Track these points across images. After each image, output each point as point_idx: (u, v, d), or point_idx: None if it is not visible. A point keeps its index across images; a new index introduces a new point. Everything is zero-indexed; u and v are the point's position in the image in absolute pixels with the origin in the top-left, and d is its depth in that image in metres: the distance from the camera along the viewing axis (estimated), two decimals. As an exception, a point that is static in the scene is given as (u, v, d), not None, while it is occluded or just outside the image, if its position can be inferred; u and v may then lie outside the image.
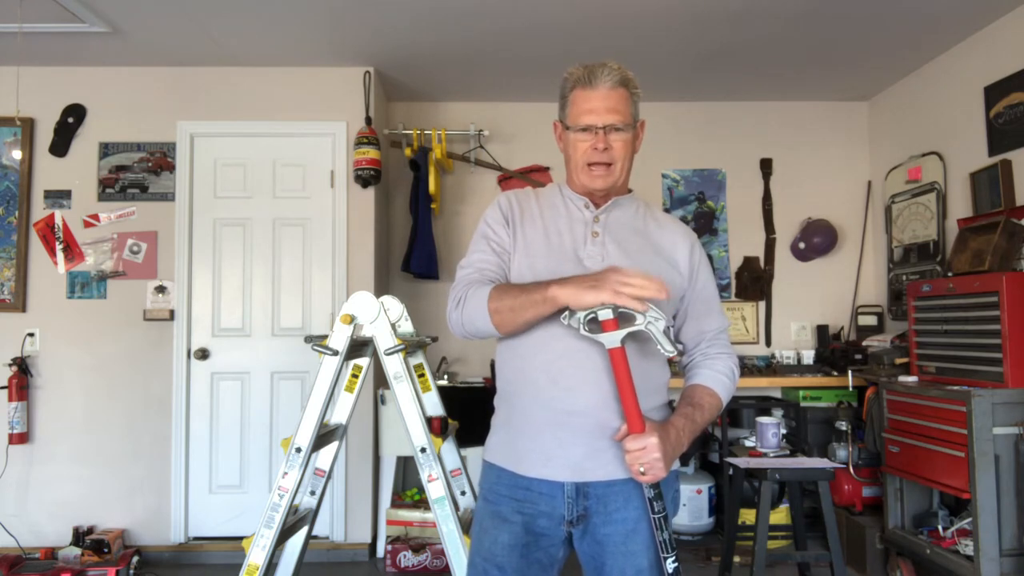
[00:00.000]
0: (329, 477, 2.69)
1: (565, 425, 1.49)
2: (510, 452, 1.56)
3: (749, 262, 4.72)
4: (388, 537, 3.80)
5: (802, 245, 4.62)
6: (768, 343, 4.69)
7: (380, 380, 3.95)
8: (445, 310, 1.60)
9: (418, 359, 2.84)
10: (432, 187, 4.30)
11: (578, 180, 1.59)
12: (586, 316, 1.41)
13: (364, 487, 3.99)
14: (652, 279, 1.36)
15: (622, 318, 1.41)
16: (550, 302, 1.41)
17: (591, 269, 1.52)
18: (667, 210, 4.65)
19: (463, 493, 2.81)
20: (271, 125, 4.08)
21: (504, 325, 1.48)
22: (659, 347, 1.41)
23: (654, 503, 1.44)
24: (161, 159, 4.05)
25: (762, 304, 4.72)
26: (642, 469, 1.40)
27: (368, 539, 3.97)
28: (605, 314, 1.40)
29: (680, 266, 1.61)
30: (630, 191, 1.67)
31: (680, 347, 1.63)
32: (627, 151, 1.56)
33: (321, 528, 3.91)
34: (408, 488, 4.24)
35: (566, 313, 1.42)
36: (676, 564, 1.45)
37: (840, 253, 4.71)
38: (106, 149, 4.04)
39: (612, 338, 1.41)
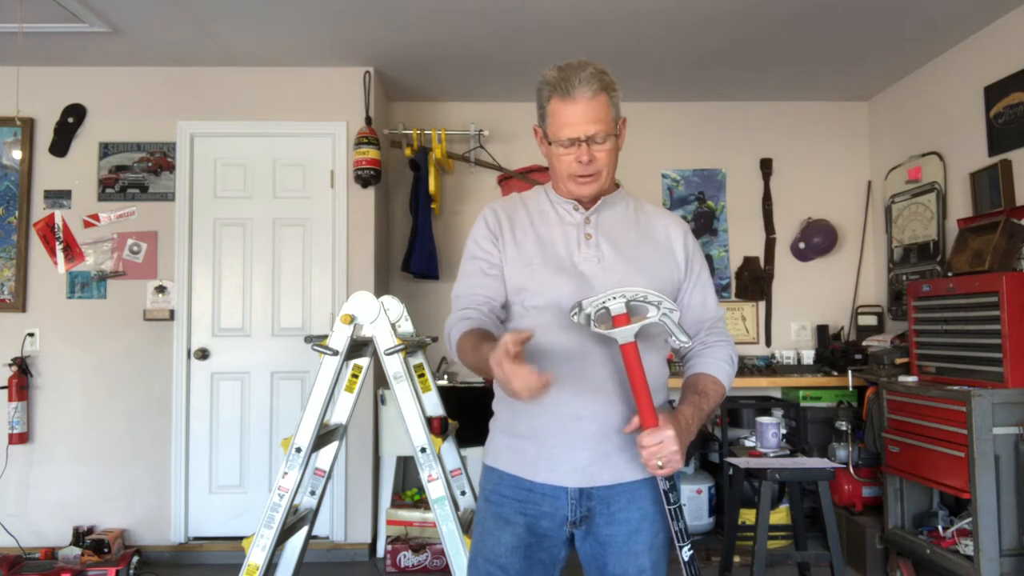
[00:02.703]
0: (329, 477, 2.69)
1: (571, 431, 1.49)
2: (515, 458, 1.55)
3: (749, 262, 4.72)
4: (388, 537, 3.80)
5: (802, 245, 4.62)
6: (768, 343, 4.69)
7: (380, 380, 3.95)
8: (445, 310, 1.60)
9: (418, 359, 2.84)
10: (432, 187, 4.30)
11: (564, 189, 1.57)
12: (596, 311, 1.39)
13: (364, 487, 3.98)
14: (528, 381, 1.25)
15: (633, 311, 1.39)
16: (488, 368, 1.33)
17: (587, 273, 1.52)
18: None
19: (463, 493, 2.82)
20: (271, 125, 4.08)
21: (484, 372, 1.45)
22: (674, 338, 1.41)
23: (670, 495, 1.45)
24: (161, 159, 4.05)
25: (762, 304, 4.72)
26: (660, 463, 1.39)
27: (368, 539, 3.97)
28: (617, 308, 1.38)
29: (677, 256, 1.60)
30: (618, 186, 1.65)
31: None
32: (611, 158, 1.53)
33: (321, 528, 3.90)
34: (408, 488, 4.24)
35: (576, 309, 1.40)
36: (692, 552, 1.47)
37: (840, 253, 4.71)
38: (106, 149, 4.04)
39: (625, 333, 1.39)
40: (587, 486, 1.50)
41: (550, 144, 1.54)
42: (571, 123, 1.48)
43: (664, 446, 1.39)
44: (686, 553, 1.46)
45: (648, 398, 1.41)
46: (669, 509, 1.45)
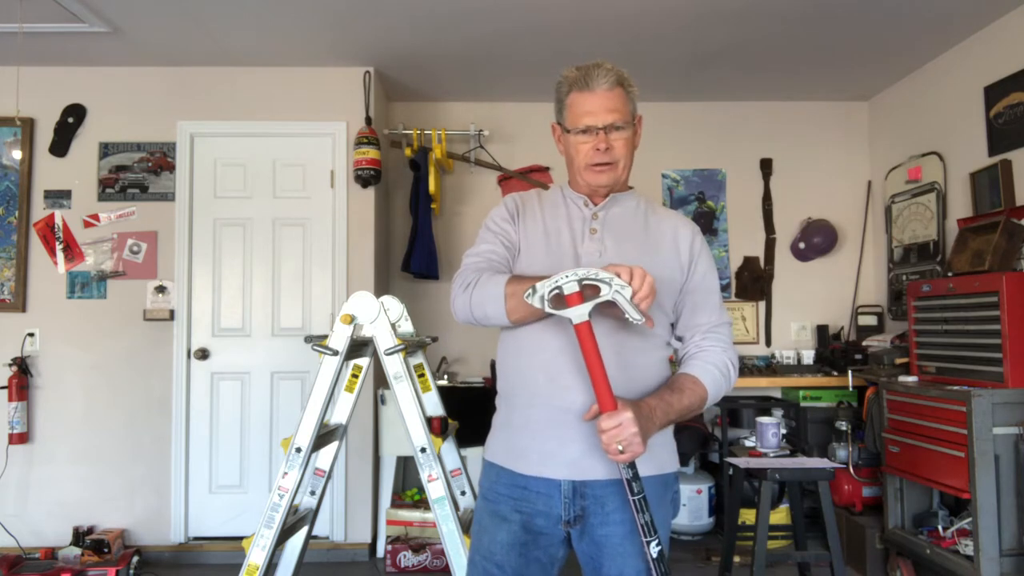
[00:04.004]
0: (329, 477, 2.69)
1: (563, 423, 1.49)
2: (509, 451, 1.57)
3: (749, 262, 4.72)
4: (388, 537, 3.80)
5: (802, 245, 4.62)
6: (768, 343, 4.69)
7: (380, 380, 3.95)
8: (445, 310, 1.61)
9: (418, 359, 2.84)
10: (432, 187, 4.30)
11: (582, 180, 1.60)
12: (550, 291, 1.38)
13: (364, 487, 3.99)
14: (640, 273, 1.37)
15: (587, 290, 1.38)
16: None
17: (588, 265, 1.52)
18: (667, 210, 4.64)
19: (463, 493, 2.81)
20: (271, 125, 4.08)
21: (515, 310, 1.47)
22: (626, 315, 1.37)
23: (633, 484, 1.41)
24: (161, 159, 4.05)
25: (762, 304, 4.72)
26: (620, 447, 1.36)
27: (368, 539, 3.97)
28: (570, 287, 1.37)
29: (681, 257, 1.60)
30: (631, 188, 1.68)
31: (678, 344, 1.63)
32: (628, 148, 1.56)
33: (321, 528, 3.90)
34: (408, 488, 4.24)
35: (529, 291, 1.39)
36: (660, 547, 1.43)
37: (840, 253, 4.71)
38: (106, 149, 4.04)
39: (580, 312, 1.38)
40: (579, 479, 1.50)
41: (567, 132, 1.56)
42: (590, 111, 1.52)
43: (623, 428, 1.36)
44: (654, 549, 1.42)
45: (605, 381, 1.38)
46: (633, 500, 1.41)
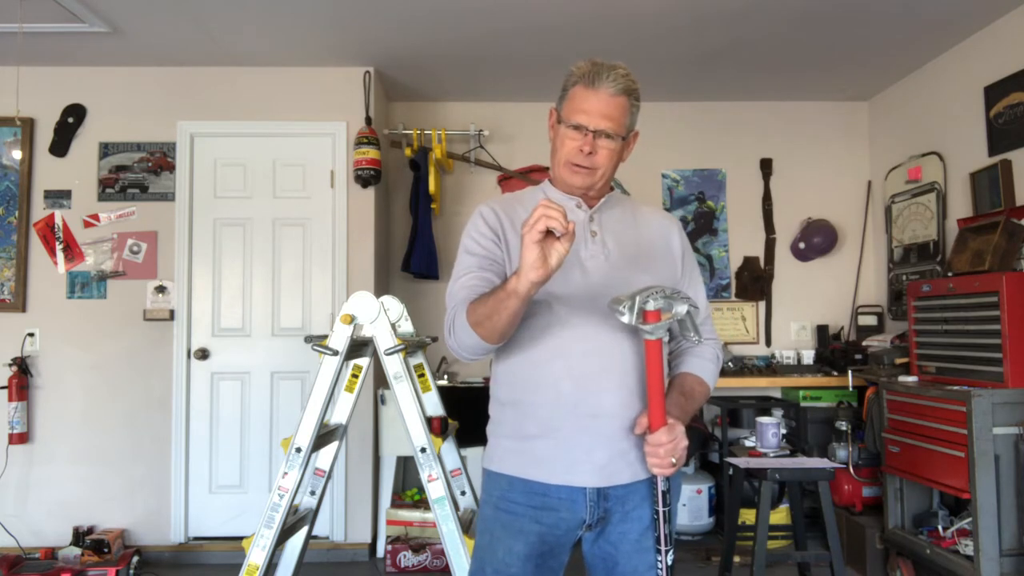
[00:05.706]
0: (329, 477, 2.69)
1: (589, 429, 1.47)
2: (526, 461, 1.51)
3: (749, 262, 4.72)
4: (388, 537, 3.80)
5: (802, 245, 4.62)
6: (768, 343, 4.69)
7: (380, 380, 3.94)
8: (445, 310, 1.58)
9: (418, 359, 2.84)
10: (432, 187, 4.30)
11: (558, 175, 1.58)
12: (641, 302, 1.36)
13: (364, 487, 3.98)
14: (559, 211, 1.26)
15: (664, 308, 1.40)
16: (514, 295, 1.32)
17: (592, 270, 1.52)
18: (667, 210, 4.65)
19: (463, 493, 2.82)
20: (271, 125, 4.08)
21: (491, 335, 1.41)
22: (692, 334, 1.45)
23: (666, 495, 1.45)
24: (161, 159, 4.05)
25: (762, 304, 4.72)
26: (674, 460, 1.41)
27: (368, 539, 3.97)
28: (656, 303, 1.38)
29: (674, 254, 1.62)
30: (612, 189, 1.66)
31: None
32: (612, 160, 1.53)
33: (321, 528, 3.90)
34: (408, 488, 4.24)
35: (625, 304, 1.35)
36: (673, 556, 1.48)
37: (840, 253, 4.71)
38: (106, 149, 4.04)
39: (658, 329, 1.40)
40: (604, 486, 1.49)
41: (559, 123, 1.54)
42: (586, 110, 1.49)
43: (678, 442, 1.41)
44: (670, 557, 1.47)
45: (662, 396, 1.42)
46: (664, 511, 1.44)
